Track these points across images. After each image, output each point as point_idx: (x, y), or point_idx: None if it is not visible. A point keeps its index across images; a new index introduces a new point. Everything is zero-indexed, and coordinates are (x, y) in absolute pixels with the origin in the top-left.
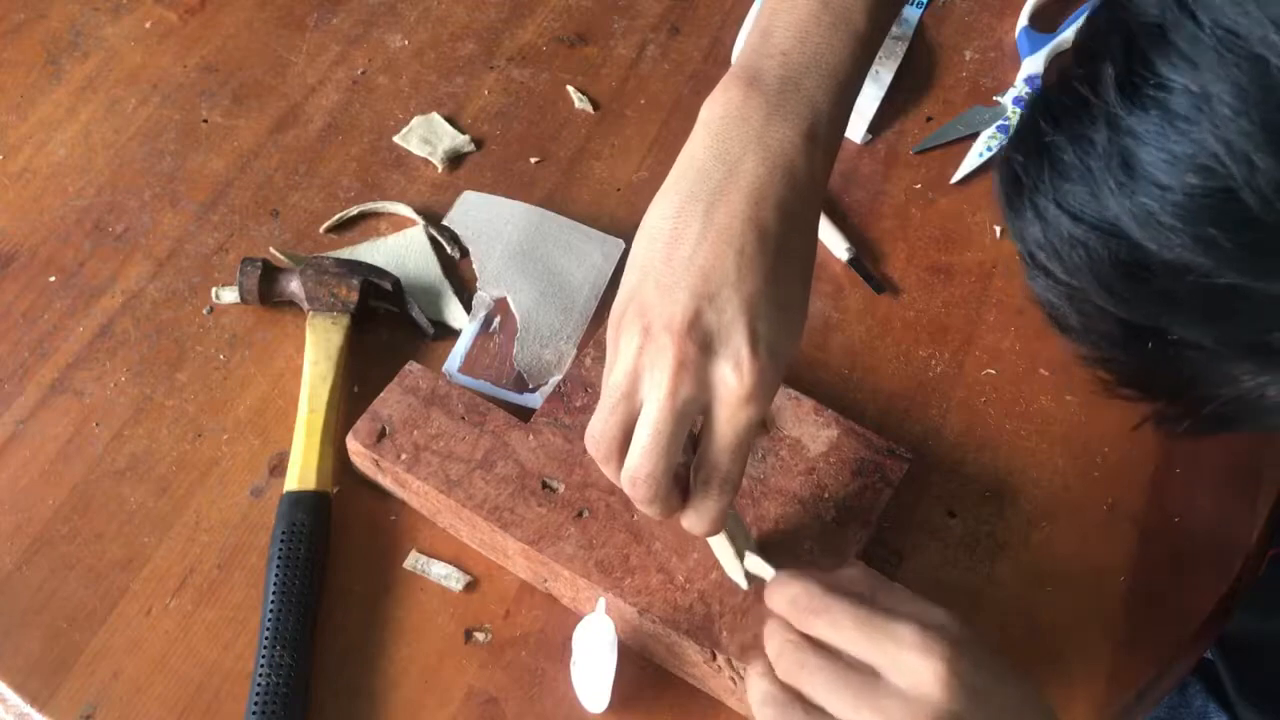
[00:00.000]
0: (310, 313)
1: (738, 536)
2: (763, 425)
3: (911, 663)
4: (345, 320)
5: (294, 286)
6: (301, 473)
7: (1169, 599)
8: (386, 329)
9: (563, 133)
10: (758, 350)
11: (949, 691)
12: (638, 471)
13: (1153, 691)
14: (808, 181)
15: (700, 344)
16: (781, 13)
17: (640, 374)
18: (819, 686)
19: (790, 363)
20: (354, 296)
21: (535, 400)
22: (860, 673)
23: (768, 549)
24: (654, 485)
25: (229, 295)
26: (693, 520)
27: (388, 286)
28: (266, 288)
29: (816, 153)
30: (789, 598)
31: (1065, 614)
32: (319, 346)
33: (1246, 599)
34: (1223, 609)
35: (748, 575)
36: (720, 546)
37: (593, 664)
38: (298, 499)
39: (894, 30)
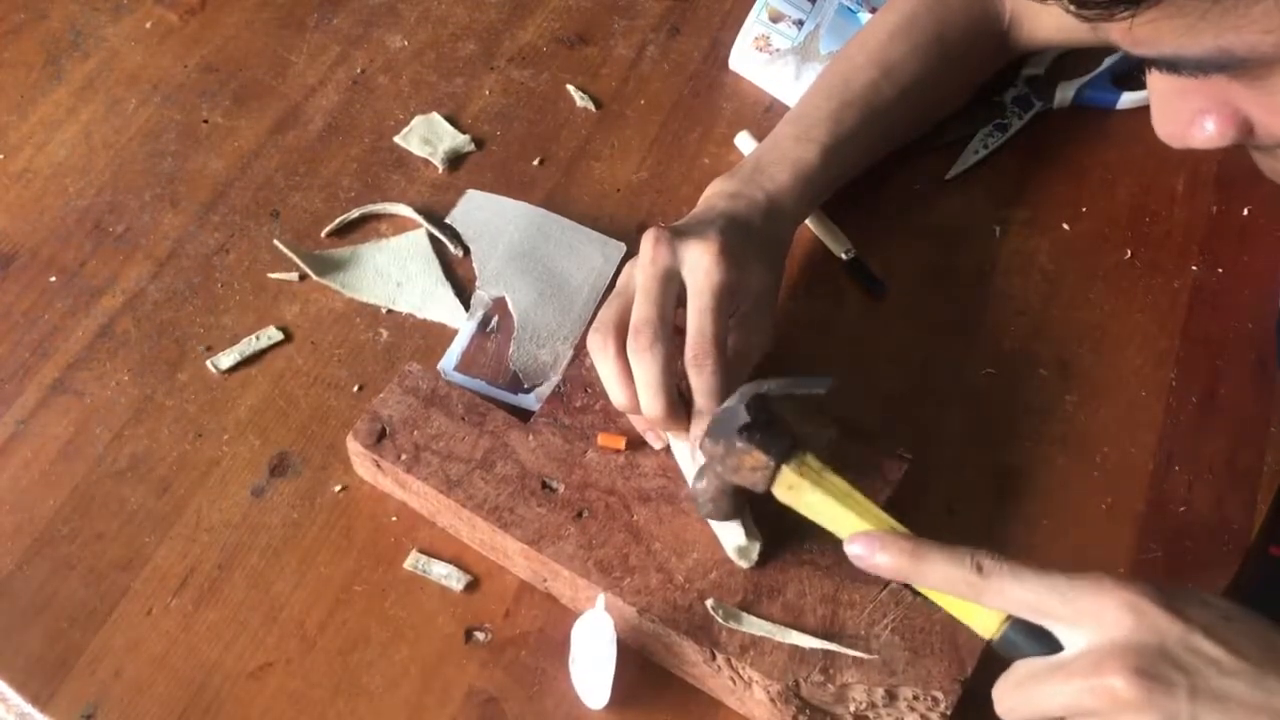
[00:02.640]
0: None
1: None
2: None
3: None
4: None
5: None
6: None
7: None
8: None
9: (563, 133)
10: (722, 233)
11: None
12: (638, 321)
13: None
14: (761, 230)
15: (674, 232)
16: (767, 140)
17: (631, 275)
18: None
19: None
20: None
21: (530, 400)
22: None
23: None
24: (652, 329)
25: (226, 360)
26: (698, 397)
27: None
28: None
29: (774, 211)
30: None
31: None
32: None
33: (1247, 598)
34: None
35: (744, 551)
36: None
37: (592, 660)
38: None
39: None
